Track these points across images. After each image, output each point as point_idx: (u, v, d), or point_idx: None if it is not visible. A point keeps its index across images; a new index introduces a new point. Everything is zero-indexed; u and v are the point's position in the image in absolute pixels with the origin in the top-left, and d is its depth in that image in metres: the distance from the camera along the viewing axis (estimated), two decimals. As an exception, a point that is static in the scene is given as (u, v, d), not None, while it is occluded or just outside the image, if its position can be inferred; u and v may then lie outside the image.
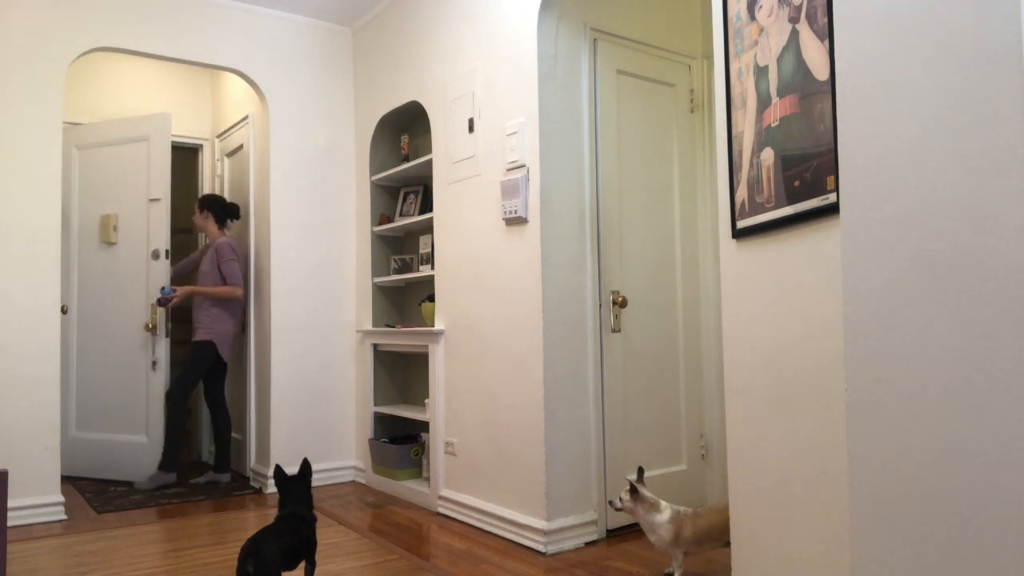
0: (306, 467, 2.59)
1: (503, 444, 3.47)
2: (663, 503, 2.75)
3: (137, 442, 4.79)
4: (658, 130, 3.74)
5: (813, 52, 1.92)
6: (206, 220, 4.79)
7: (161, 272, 4.89)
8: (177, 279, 4.92)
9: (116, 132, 4.93)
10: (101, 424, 4.92)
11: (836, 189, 1.83)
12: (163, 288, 4.45)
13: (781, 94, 2.04)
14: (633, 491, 2.75)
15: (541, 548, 3.17)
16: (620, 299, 3.48)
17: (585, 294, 3.40)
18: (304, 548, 2.49)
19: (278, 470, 2.56)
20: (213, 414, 4.73)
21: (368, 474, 4.54)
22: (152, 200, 4.76)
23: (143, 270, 4.78)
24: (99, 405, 4.93)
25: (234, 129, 5.18)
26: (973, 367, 1.21)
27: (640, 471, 2.85)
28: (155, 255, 4.75)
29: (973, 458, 1.20)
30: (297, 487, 2.57)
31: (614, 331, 3.47)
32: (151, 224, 4.77)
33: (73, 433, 4.99)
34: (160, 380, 4.79)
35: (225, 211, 4.83)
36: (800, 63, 1.97)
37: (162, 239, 4.74)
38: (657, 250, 3.69)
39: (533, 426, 3.28)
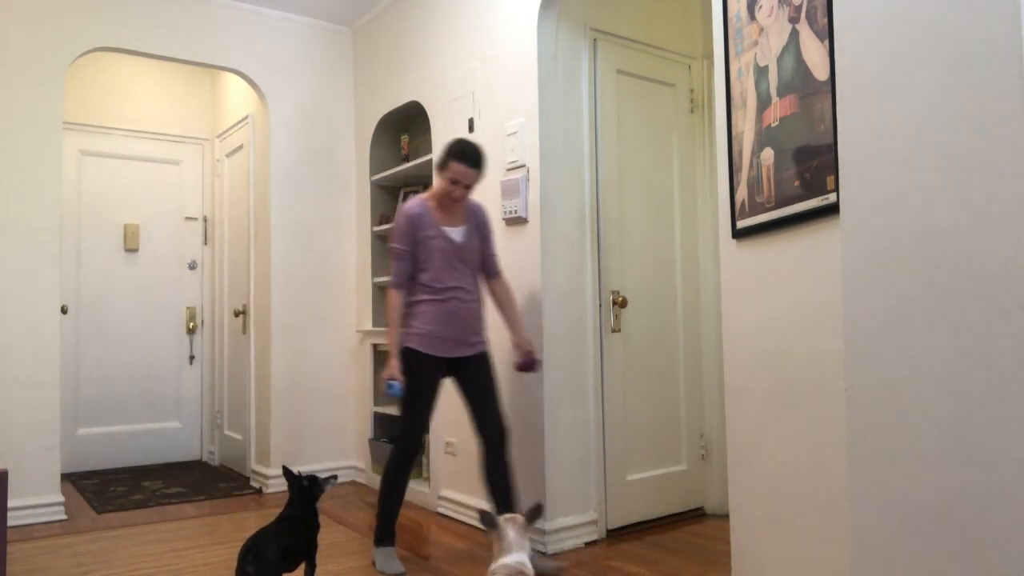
0: (312, 479, 2.59)
1: (503, 444, 3.47)
2: (512, 552, 1.94)
3: (171, 428, 5.45)
4: (658, 130, 3.74)
5: (813, 52, 1.92)
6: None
7: (195, 281, 5.51)
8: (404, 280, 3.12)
9: (147, 149, 5.45)
10: (126, 416, 5.28)
11: (836, 189, 1.83)
12: (392, 385, 2.96)
13: (781, 94, 2.04)
14: (486, 521, 2.02)
15: (541, 548, 3.17)
16: (620, 299, 3.48)
17: (585, 294, 3.39)
18: (303, 549, 2.50)
19: (286, 469, 2.61)
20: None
21: (368, 474, 4.54)
22: (188, 218, 5.55)
23: (175, 278, 5.50)
24: (124, 399, 5.26)
25: (234, 129, 5.18)
26: (973, 366, 1.20)
27: (537, 508, 2.07)
28: (192, 266, 5.53)
29: (973, 458, 1.20)
30: (302, 491, 2.57)
31: (614, 331, 3.47)
32: (185, 239, 5.54)
33: (82, 430, 5.12)
34: (196, 373, 5.52)
35: None
36: (800, 63, 1.96)
37: (196, 252, 5.57)
38: (657, 250, 3.69)
39: (533, 426, 3.27)
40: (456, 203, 3.04)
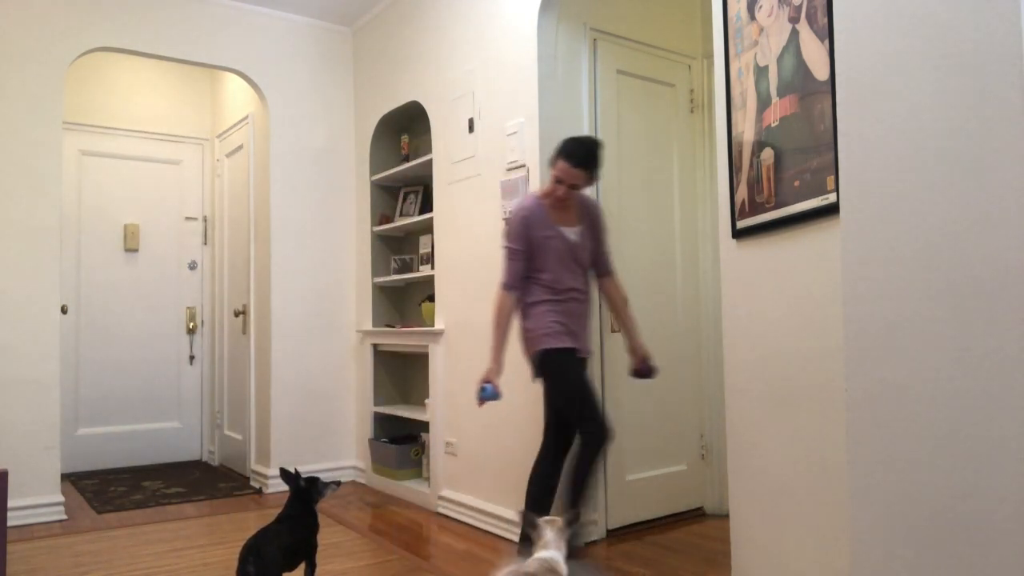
0: (310, 481, 2.59)
1: (503, 444, 3.47)
2: (547, 552, 2.08)
3: (171, 428, 5.45)
4: (658, 130, 3.74)
5: (813, 52, 1.92)
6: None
7: (195, 281, 5.50)
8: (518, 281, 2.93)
9: (146, 150, 5.46)
10: (126, 416, 5.29)
11: (836, 189, 1.83)
12: (485, 388, 2.82)
13: (781, 94, 2.04)
14: (527, 521, 2.19)
15: (541, 548, 3.16)
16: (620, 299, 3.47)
17: (585, 294, 3.39)
18: (302, 549, 2.50)
19: (283, 471, 2.60)
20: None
21: (368, 474, 4.54)
22: (188, 218, 5.54)
23: (175, 278, 5.49)
24: (124, 399, 5.27)
25: (234, 129, 5.19)
26: (973, 366, 1.20)
27: (575, 515, 2.23)
28: (192, 266, 5.53)
29: (973, 457, 1.20)
30: (299, 491, 2.57)
31: (614, 331, 3.47)
32: (184, 238, 5.53)
33: (82, 430, 5.13)
34: (196, 373, 5.51)
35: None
36: (800, 63, 1.96)
37: (196, 252, 5.56)
38: (657, 250, 3.69)
39: (533, 426, 3.27)
40: (562, 201, 2.88)
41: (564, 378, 2.82)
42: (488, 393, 2.79)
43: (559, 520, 2.13)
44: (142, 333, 5.35)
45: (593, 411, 2.77)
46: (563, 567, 2.05)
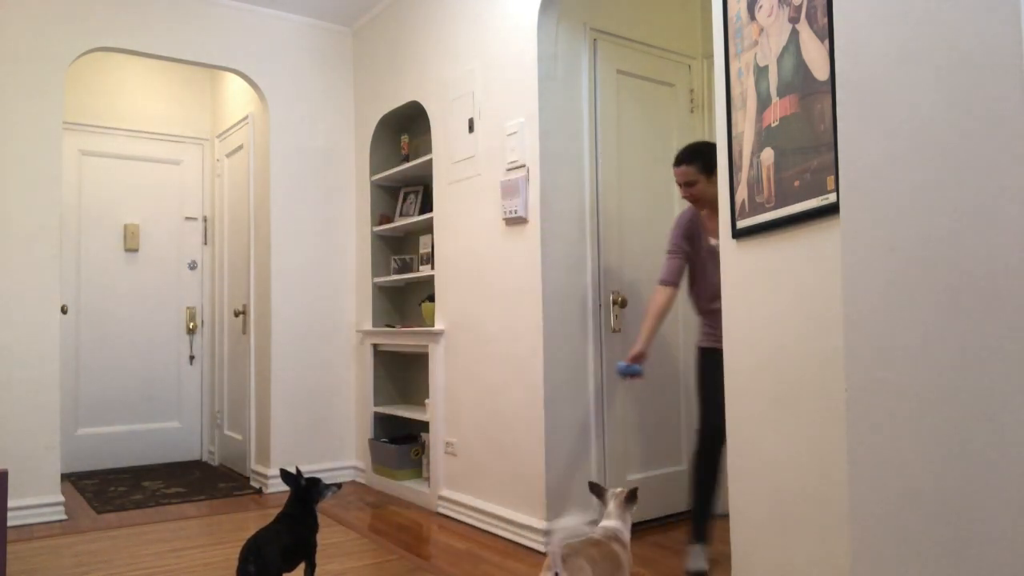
0: (311, 482, 2.59)
1: (503, 444, 3.47)
2: (610, 521, 2.29)
3: (171, 428, 5.47)
4: (658, 130, 3.74)
5: (813, 52, 1.92)
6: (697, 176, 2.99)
7: (195, 281, 5.51)
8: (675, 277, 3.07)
9: (146, 150, 5.46)
10: (126, 416, 5.30)
11: (836, 189, 1.83)
12: (619, 364, 3.10)
13: (781, 94, 2.04)
14: (594, 491, 2.40)
15: (541, 548, 3.17)
16: (620, 299, 3.48)
17: (585, 294, 3.40)
18: (302, 549, 2.50)
19: (284, 471, 2.60)
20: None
21: (368, 474, 4.54)
22: (188, 218, 5.56)
23: (175, 278, 5.50)
24: (124, 399, 5.28)
25: (234, 129, 5.18)
26: (973, 367, 1.20)
27: (633, 491, 2.43)
28: (192, 266, 5.55)
29: (973, 458, 1.20)
30: (300, 491, 2.57)
31: (614, 331, 3.47)
32: (185, 238, 5.55)
33: (82, 430, 5.14)
34: (196, 373, 5.52)
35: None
36: (800, 63, 1.96)
37: (196, 252, 5.57)
38: (657, 250, 3.68)
39: (533, 426, 3.27)
40: (700, 204, 2.99)
41: (701, 376, 3.04)
42: (620, 368, 3.06)
43: (623, 493, 2.31)
44: (142, 333, 5.35)
45: (715, 416, 2.89)
46: (626, 536, 2.26)
